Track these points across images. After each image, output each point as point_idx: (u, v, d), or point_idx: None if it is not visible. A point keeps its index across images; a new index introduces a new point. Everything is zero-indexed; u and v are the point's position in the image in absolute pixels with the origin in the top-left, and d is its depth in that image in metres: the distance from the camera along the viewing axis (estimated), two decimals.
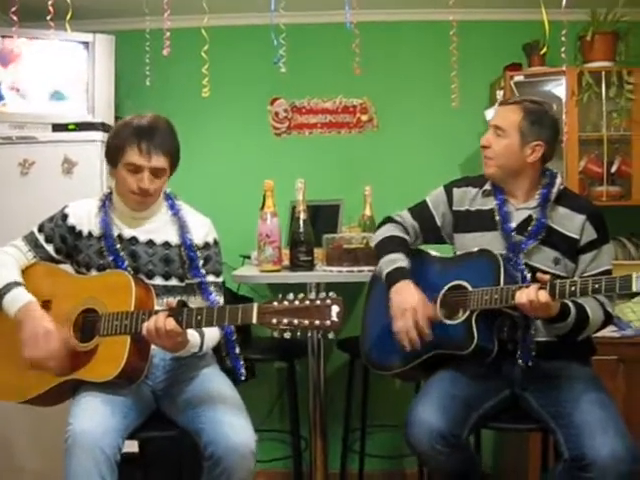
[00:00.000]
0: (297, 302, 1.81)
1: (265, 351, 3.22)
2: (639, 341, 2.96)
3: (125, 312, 2.01)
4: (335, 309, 1.79)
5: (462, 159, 3.49)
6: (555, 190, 2.23)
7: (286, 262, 2.89)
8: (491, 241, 2.23)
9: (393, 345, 2.28)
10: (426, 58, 3.58)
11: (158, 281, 2.21)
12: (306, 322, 1.79)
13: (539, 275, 2.00)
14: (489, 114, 2.36)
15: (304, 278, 2.80)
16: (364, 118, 3.65)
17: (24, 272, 2.18)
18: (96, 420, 1.92)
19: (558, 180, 2.26)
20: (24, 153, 3.08)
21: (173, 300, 2.03)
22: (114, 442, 1.92)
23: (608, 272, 2.16)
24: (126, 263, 2.17)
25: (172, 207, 2.30)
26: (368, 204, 3.19)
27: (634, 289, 1.82)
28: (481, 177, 2.36)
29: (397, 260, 2.29)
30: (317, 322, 1.79)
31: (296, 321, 1.79)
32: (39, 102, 3.19)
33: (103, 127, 3.08)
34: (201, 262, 2.24)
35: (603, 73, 3.18)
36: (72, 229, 2.23)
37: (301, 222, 2.84)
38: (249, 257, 3.27)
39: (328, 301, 1.79)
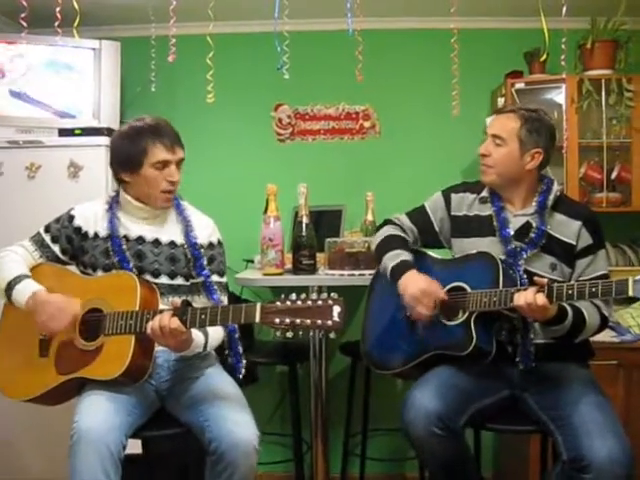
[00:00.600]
0: (299, 302, 1.84)
1: (267, 354, 3.25)
2: (639, 346, 2.96)
3: (130, 312, 2.04)
4: (337, 309, 1.82)
5: (463, 166, 3.52)
6: (552, 197, 2.26)
7: (289, 266, 2.93)
8: (489, 246, 2.26)
9: (393, 345, 2.32)
10: (428, 66, 3.61)
11: (164, 280, 2.24)
12: (308, 322, 1.83)
13: (537, 279, 2.03)
14: (488, 123, 2.39)
15: (306, 281, 2.83)
16: (367, 124, 3.68)
17: (31, 272, 2.21)
18: (101, 417, 1.95)
19: (555, 186, 2.29)
20: (31, 157, 3.12)
21: (177, 300, 2.07)
22: (118, 439, 1.94)
23: (604, 276, 2.18)
24: (131, 264, 2.20)
25: (177, 207, 2.34)
26: (370, 209, 3.23)
27: (630, 293, 1.84)
28: (478, 183, 2.39)
29: (401, 254, 2.33)
30: (319, 322, 1.82)
31: (298, 321, 1.83)
32: (46, 107, 3.23)
33: (108, 132, 3.11)
34: (205, 261, 2.28)
35: (603, 81, 3.20)
36: (78, 230, 2.26)
37: (304, 226, 2.87)
38: (252, 261, 3.31)
39: (330, 301, 1.83)
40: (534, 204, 2.27)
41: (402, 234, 2.44)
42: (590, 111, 3.24)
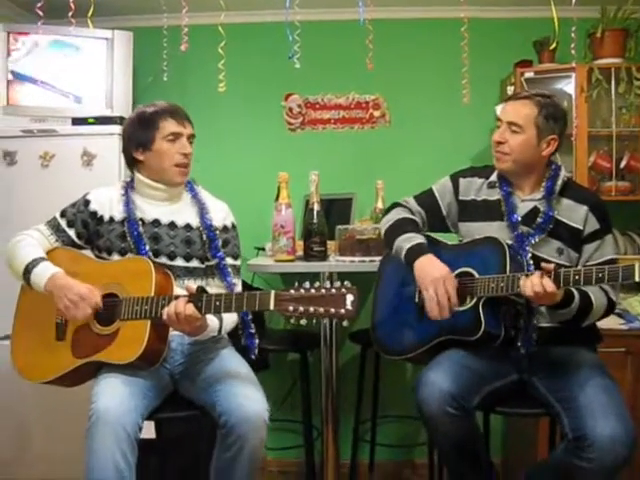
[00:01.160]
0: (313, 290, 1.87)
1: (278, 342, 3.28)
2: None
3: (145, 297, 2.07)
4: (350, 298, 1.85)
5: (473, 154, 3.53)
6: (560, 182, 2.27)
7: (300, 253, 2.95)
8: (497, 231, 2.27)
9: (403, 330, 2.34)
10: (437, 55, 3.62)
11: (179, 262, 2.27)
12: (321, 310, 1.85)
13: (544, 264, 2.04)
14: (500, 110, 2.39)
15: (317, 268, 2.85)
16: (377, 114, 3.70)
17: (47, 256, 2.24)
18: (118, 400, 1.99)
19: (562, 172, 2.30)
20: (45, 146, 3.15)
21: (193, 285, 2.10)
22: (135, 421, 1.98)
23: (612, 261, 2.19)
24: (147, 246, 2.24)
25: (192, 190, 2.38)
26: (380, 197, 3.26)
27: (637, 279, 1.86)
28: (486, 167, 2.41)
29: (414, 237, 2.32)
30: (332, 310, 1.85)
31: (312, 309, 1.85)
32: (60, 96, 3.26)
33: (121, 121, 3.13)
34: (220, 244, 2.31)
35: (613, 69, 3.20)
36: (94, 214, 2.29)
37: (315, 213, 2.89)
38: (263, 249, 3.34)
39: (343, 290, 1.86)
40: (542, 189, 2.28)
41: (412, 216, 2.44)
42: (600, 100, 3.25)
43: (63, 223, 2.30)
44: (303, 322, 1.92)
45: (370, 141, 3.70)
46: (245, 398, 2.07)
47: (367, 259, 2.84)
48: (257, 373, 2.29)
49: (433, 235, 2.47)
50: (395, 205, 2.52)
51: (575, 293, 2.09)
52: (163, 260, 2.25)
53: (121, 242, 2.26)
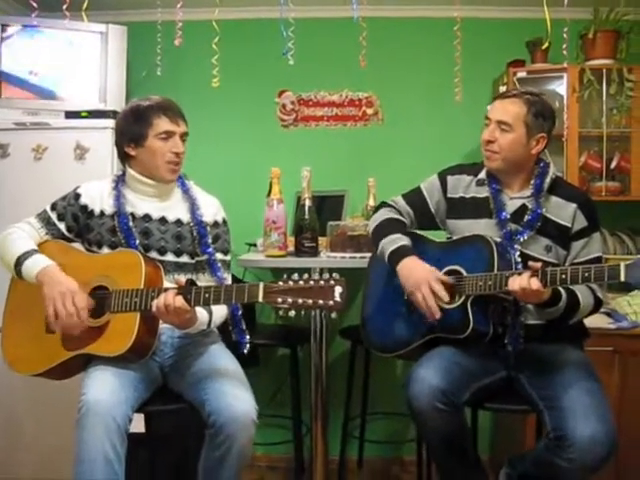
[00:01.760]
0: (302, 282, 1.88)
1: (269, 337, 3.30)
2: (634, 333, 2.99)
3: (135, 289, 2.08)
4: (338, 289, 1.86)
5: (465, 152, 3.54)
6: (548, 180, 2.28)
7: (291, 248, 2.96)
8: (485, 228, 2.28)
9: (393, 328, 2.35)
10: (430, 54, 3.64)
11: (170, 257, 2.28)
12: (310, 302, 1.86)
13: (531, 263, 2.05)
14: (488, 108, 2.40)
15: (308, 263, 2.85)
16: (369, 111, 3.72)
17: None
18: (108, 391, 1.99)
19: (551, 169, 2.32)
20: (37, 139, 3.15)
21: (182, 278, 2.11)
22: (125, 412, 1.99)
23: (598, 259, 2.22)
24: (137, 241, 2.24)
25: (183, 186, 2.39)
26: (372, 195, 3.28)
27: (622, 278, 1.88)
28: (475, 165, 2.42)
29: (399, 239, 2.33)
30: (321, 302, 1.86)
31: (300, 300, 1.86)
32: (53, 89, 3.26)
33: (114, 115, 3.13)
34: (210, 239, 2.31)
35: (604, 71, 3.23)
36: (84, 208, 2.29)
37: (306, 209, 2.91)
38: (255, 245, 3.34)
39: (332, 282, 1.87)
40: (531, 187, 2.29)
41: (399, 217, 2.45)
42: (591, 100, 3.27)
43: (53, 216, 2.30)
44: (292, 314, 1.93)
45: (363, 138, 3.71)
46: (234, 398, 2.08)
47: (358, 255, 2.86)
48: (247, 368, 2.29)
49: (422, 233, 2.48)
50: (382, 205, 2.54)
51: (562, 292, 2.10)
52: (153, 255, 2.26)
53: (111, 236, 2.26)
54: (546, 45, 3.00)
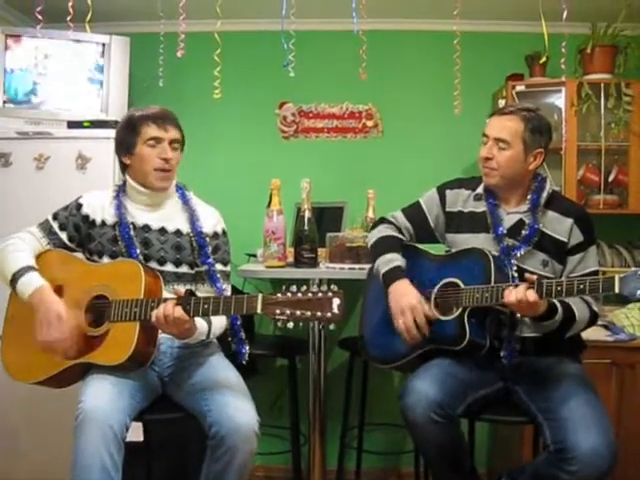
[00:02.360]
0: (300, 294, 1.89)
1: (267, 347, 3.30)
2: (632, 346, 3.01)
3: (135, 299, 2.09)
4: (336, 302, 1.87)
5: (464, 165, 3.56)
6: (545, 194, 2.30)
7: (290, 259, 2.98)
8: (483, 243, 2.29)
9: (390, 339, 2.35)
10: (430, 67, 3.66)
11: (169, 268, 2.30)
12: (308, 313, 1.87)
13: (527, 275, 2.08)
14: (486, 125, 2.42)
15: (307, 274, 2.88)
16: (369, 124, 3.74)
17: (38, 258, 2.26)
18: (106, 399, 2.00)
19: (548, 184, 2.33)
20: (40, 148, 3.16)
21: (181, 289, 2.12)
22: (122, 421, 1.99)
23: (595, 273, 2.23)
24: (138, 250, 2.26)
25: (183, 196, 2.40)
26: (371, 207, 3.29)
27: (616, 290, 1.89)
28: (473, 179, 2.44)
29: (393, 260, 2.36)
30: (319, 314, 1.87)
31: (298, 312, 1.87)
32: (55, 99, 3.29)
33: (116, 125, 3.15)
34: (210, 250, 2.33)
35: (602, 85, 3.25)
36: (86, 218, 2.31)
37: (306, 220, 2.92)
38: (255, 255, 3.36)
39: (330, 294, 1.88)
40: (527, 202, 2.31)
41: (396, 234, 2.47)
42: (589, 114, 3.29)
43: (55, 226, 2.32)
44: (290, 325, 1.94)
45: (362, 150, 3.74)
46: (235, 409, 2.09)
47: (357, 266, 2.87)
48: (246, 378, 2.30)
49: (421, 246, 2.50)
50: (381, 221, 2.56)
51: (558, 305, 2.11)
52: (153, 265, 2.27)
53: (112, 246, 2.27)
54: (544, 59, 3.03)
